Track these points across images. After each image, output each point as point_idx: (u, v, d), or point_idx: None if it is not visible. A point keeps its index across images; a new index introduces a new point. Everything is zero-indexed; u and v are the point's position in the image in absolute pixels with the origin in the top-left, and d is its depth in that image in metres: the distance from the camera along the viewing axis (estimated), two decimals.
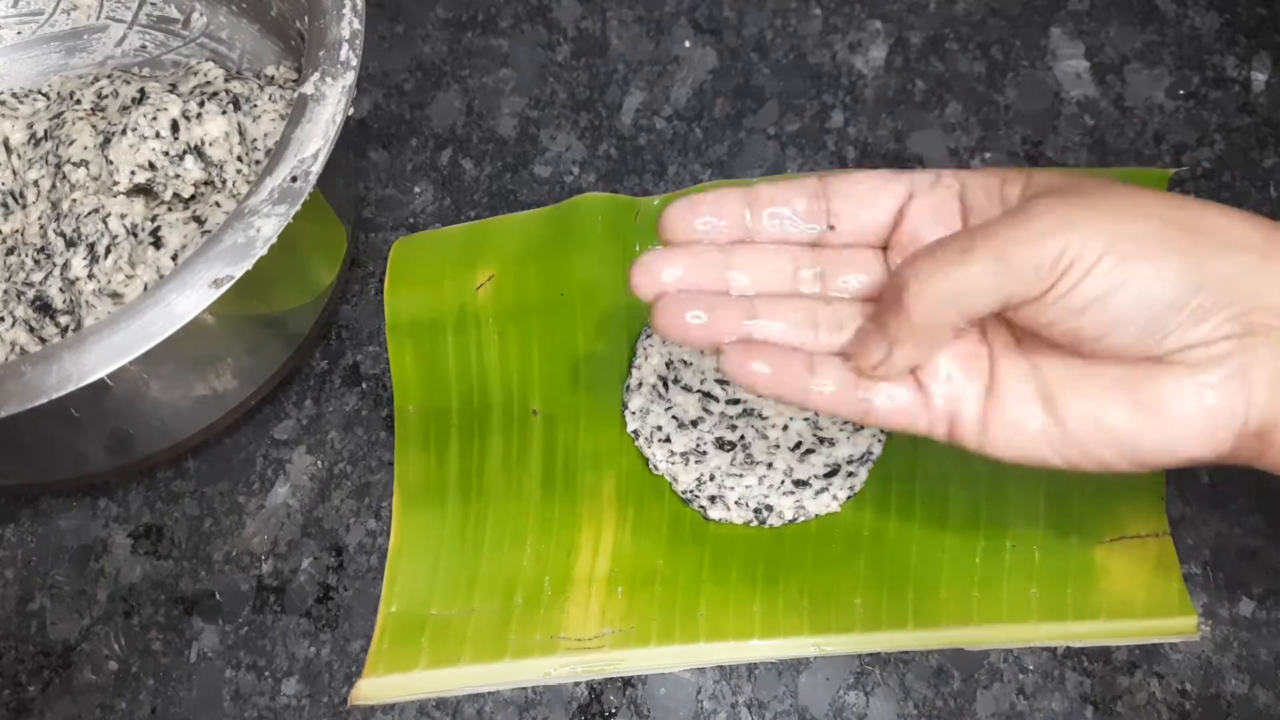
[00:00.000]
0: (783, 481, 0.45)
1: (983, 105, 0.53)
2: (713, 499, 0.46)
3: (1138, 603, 0.43)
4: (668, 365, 0.48)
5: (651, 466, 0.46)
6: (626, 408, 0.47)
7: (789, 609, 0.44)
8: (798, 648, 0.43)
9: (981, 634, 0.43)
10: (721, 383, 0.47)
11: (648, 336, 0.48)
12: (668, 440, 0.46)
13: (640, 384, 0.48)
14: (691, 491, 0.46)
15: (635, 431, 0.47)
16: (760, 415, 0.47)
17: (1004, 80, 0.54)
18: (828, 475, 0.45)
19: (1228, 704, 0.42)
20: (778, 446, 0.46)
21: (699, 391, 0.47)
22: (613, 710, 0.43)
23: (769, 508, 0.45)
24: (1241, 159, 0.51)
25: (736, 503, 0.45)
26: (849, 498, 0.45)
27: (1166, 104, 0.52)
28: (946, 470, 0.45)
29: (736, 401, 0.47)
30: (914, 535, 0.45)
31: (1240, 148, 0.51)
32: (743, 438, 0.46)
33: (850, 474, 0.45)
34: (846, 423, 0.46)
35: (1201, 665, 0.42)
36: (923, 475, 0.45)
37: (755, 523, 0.45)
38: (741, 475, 0.46)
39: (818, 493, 0.45)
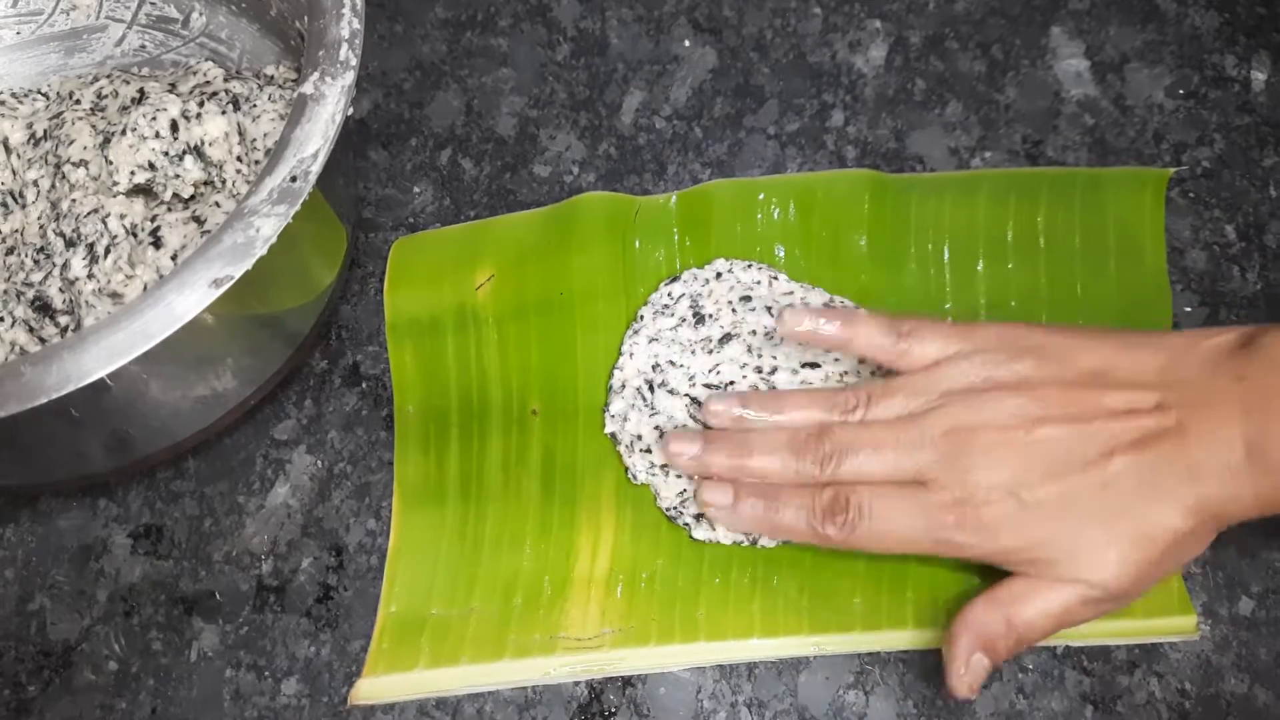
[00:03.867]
0: None
1: (983, 104, 0.53)
2: (698, 518, 0.44)
3: (1137, 602, 0.43)
4: (654, 367, 0.46)
5: (631, 476, 0.45)
6: (607, 409, 0.46)
7: (788, 608, 0.43)
8: (797, 647, 0.43)
9: None
10: (711, 386, 0.46)
11: (635, 333, 0.47)
12: (648, 451, 0.45)
13: (624, 385, 0.46)
14: (675, 508, 0.44)
15: (613, 435, 0.46)
16: None
17: (1004, 79, 0.54)
18: None
19: (1227, 703, 0.42)
20: None
21: (686, 395, 0.45)
22: (613, 710, 0.43)
23: None
24: (1241, 158, 0.51)
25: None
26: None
27: (1166, 103, 0.52)
28: None
29: None
30: None
31: (1240, 147, 0.51)
32: None
33: None
34: None
35: (1201, 664, 0.42)
36: None
37: (746, 543, 0.44)
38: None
39: None
